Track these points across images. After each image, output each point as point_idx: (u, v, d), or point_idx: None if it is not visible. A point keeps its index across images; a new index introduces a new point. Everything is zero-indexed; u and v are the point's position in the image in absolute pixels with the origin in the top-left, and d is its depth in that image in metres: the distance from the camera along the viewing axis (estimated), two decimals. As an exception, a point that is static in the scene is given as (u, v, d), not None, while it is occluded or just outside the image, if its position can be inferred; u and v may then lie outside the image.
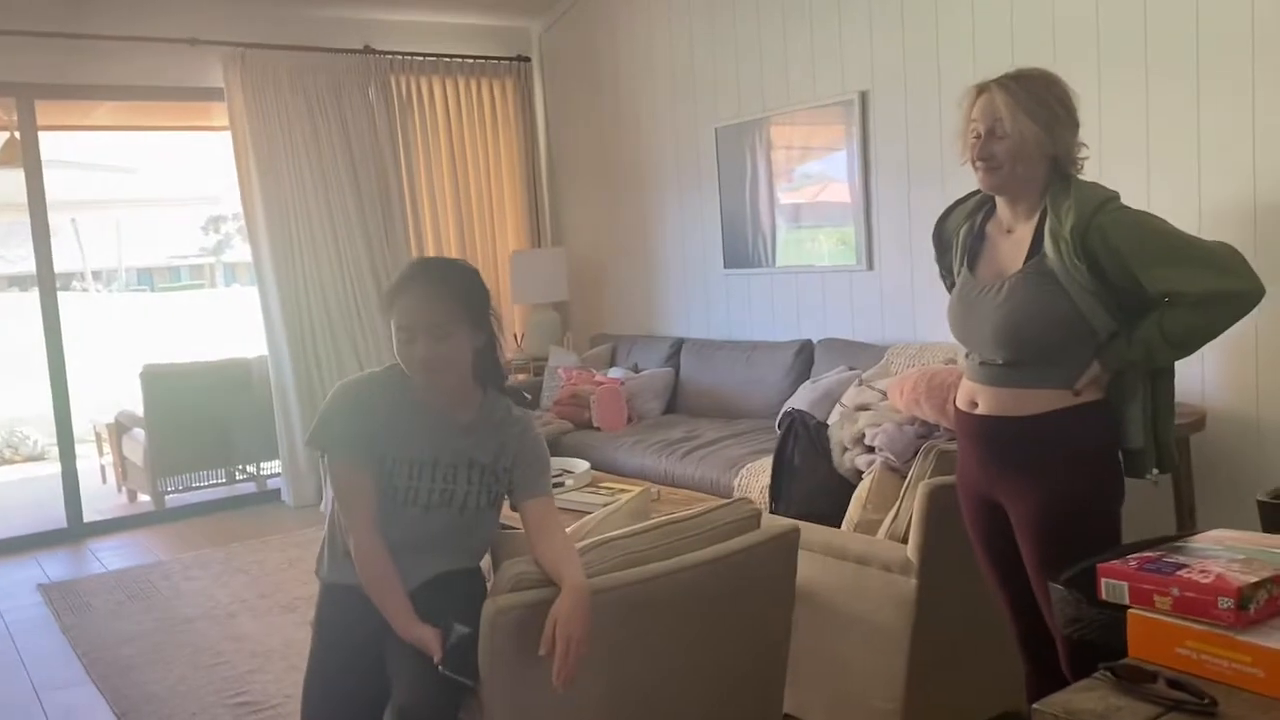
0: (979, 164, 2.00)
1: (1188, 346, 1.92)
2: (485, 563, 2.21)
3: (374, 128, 5.93)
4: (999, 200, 2.08)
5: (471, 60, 6.28)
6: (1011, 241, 2.05)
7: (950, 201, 2.25)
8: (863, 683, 2.53)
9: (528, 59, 6.49)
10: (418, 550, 2.00)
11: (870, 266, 4.66)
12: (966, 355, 2.12)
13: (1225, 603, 1.29)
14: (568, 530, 2.13)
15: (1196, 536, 1.56)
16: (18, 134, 5.31)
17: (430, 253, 6.15)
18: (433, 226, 6.18)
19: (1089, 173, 2.05)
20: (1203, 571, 1.34)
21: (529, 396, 5.75)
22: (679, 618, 1.92)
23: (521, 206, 6.52)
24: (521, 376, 6.00)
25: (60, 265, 18.07)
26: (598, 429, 5.09)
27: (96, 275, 23.72)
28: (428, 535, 2.01)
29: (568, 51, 6.33)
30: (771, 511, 3.21)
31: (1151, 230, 1.91)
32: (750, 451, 4.17)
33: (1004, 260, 2.05)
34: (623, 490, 3.64)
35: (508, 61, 6.42)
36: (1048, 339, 1.94)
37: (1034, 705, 1.30)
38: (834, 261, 4.83)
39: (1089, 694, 1.30)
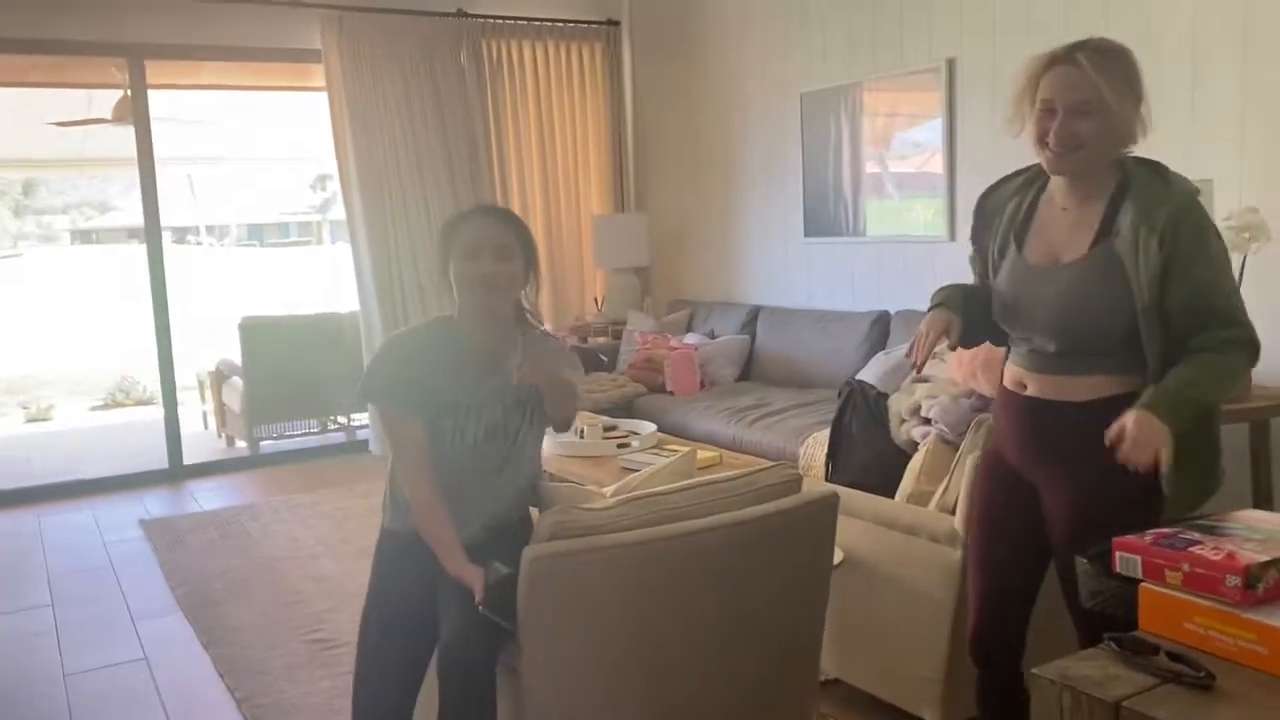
0: (1052, 143, 1.84)
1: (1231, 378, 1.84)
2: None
3: (464, 91, 6.04)
4: (1057, 178, 1.94)
5: (562, 24, 6.34)
6: (1070, 222, 1.93)
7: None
8: (907, 651, 2.55)
9: (617, 23, 6.51)
10: (471, 487, 2.11)
11: (952, 237, 4.59)
12: (1012, 340, 2.03)
13: (1233, 580, 1.29)
14: (614, 487, 2.21)
15: (1230, 515, 1.55)
16: (129, 92, 5.58)
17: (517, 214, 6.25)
18: (519, 189, 6.29)
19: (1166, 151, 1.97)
20: (1215, 549, 1.34)
21: (605, 359, 5.86)
22: (713, 575, 1.97)
23: (606, 171, 6.57)
24: (600, 339, 6.09)
25: (176, 220, 18.79)
26: (670, 393, 5.15)
27: (210, 230, 24.66)
28: (479, 471, 2.12)
29: (657, 15, 6.34)
30: (827, 479, 3.23)
31: (1221, 250, 1.86)
32: (817, 421, 4.17)
33: (1060, 241, 1.93)
34: (686, 453, 3.70)
35: (597, 25, 6.46)
36: (1109, 330, 1.86)
37: (1033, 670, 1.32)
38: (923, 232, 4.77)
39: (1090, 662, 1.31)
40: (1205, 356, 1.81)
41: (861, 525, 2.64)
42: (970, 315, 2.02)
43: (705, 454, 3.69)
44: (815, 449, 3.90)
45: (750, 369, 5.45)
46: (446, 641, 1.90)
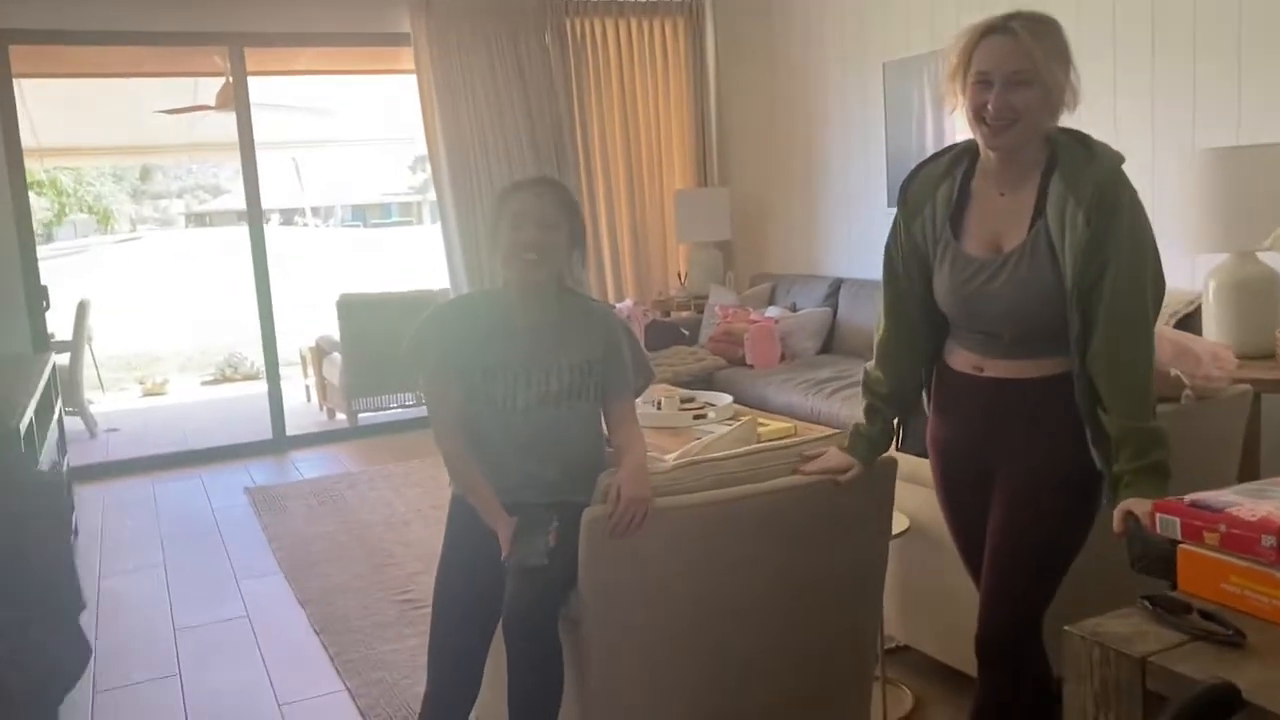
0: (990, 115, 1.78)
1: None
2: None
3: (549, 70, 6.14)
4: (989, 156, 1.87)
5: (644, 1, 6.37)
6: (1008, 205, 1.87)
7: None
8: (971, 616, 2.57)
9: (700, -3, 6.53)
10: (528, 451, 2.18)
11: (1036, 207, 4.51)
12: (959, 328, 1.99)
13: (1268, 540, 1.29)
14: (675, 453, 2.27)
15: (1274, 479, 1.54)
16: (230, 79, 5.83)
17: (600, 191, 6.36)
18: (602, 166, 6.37)
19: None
20: (1251, 510, 1.35)
21: (687, 333, 5.90)
22: (769, 539, 2.03)
23: (689, 146, 6.61)
24: (683, 314, 6.15)
25: (284, 202, 19.39)
26: (750, 366, 5.19)
27: (316, 211, 25.41)
28: (532, 437, 2.18)
29: (739, -11, 6.33)
30: (898, 448, 3.24)
31: (1148, 236, 1.82)
32: (895, 392, 4.17)
33: (1000, 227, 1.87)
34: (761, 423, 3.75)
35: (680, 1, 6.47)
36: (1061, 314, 1.83)
37: (1065, 627, 1.34)
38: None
39: (1122, 620, 1.34)
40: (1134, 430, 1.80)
41: (925, 493, 2.65)
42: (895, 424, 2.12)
43: (779, 424, 3.74)
44: (892, 420, 3.90)
45: (832, 342, 5.45)
46: (513, 594, 2.01)
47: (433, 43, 5.87)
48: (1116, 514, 1.72)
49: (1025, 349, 1.91)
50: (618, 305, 5.81)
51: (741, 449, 2.10)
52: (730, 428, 2.41)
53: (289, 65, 6.85)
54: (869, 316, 5.23)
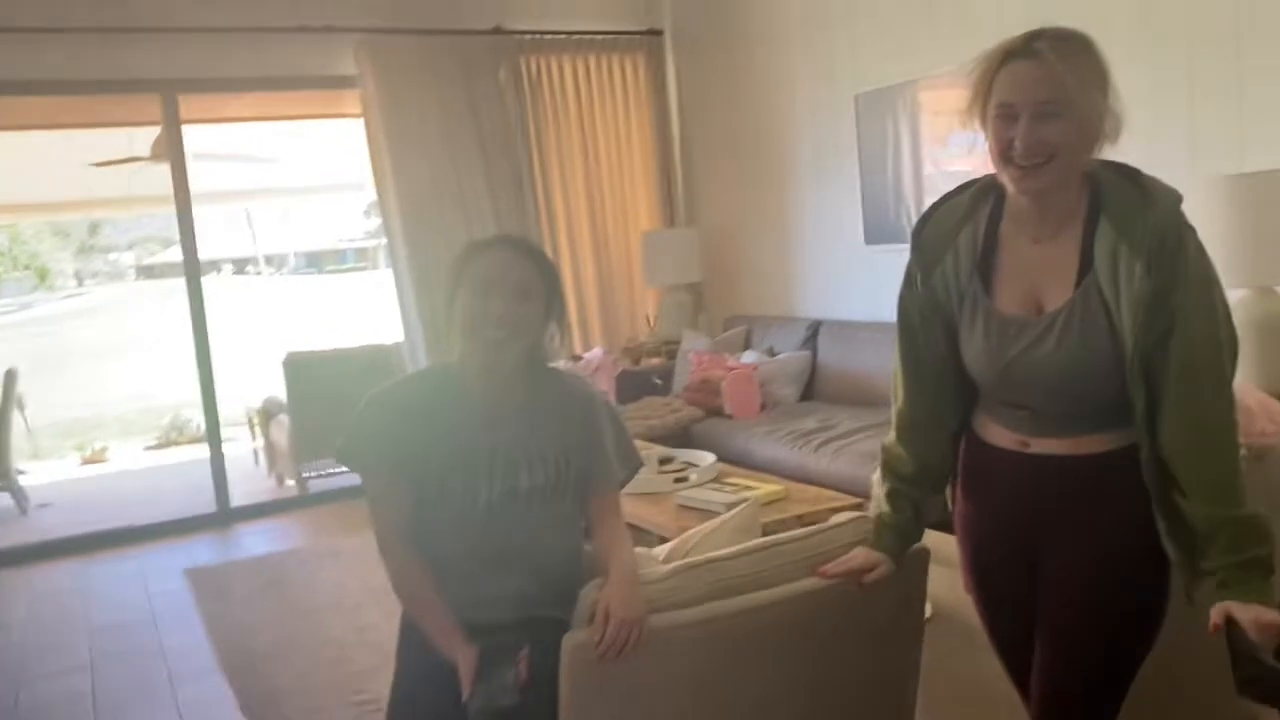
0: (1018, 155, 1.51)
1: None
2: None
3: (504, 110, 5.84)
4: (1019, 199, 1.59)
5: (602, 36, 6.11)
6: (1046, 256, 1.59)
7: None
8: (1006, 710, 2.25)
9: (660, 32, 6.28)
10: (493, 563, 1.83)
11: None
12: (995, 400, 1.69)
13: None
14: (667, 548, 1.94)
15: None
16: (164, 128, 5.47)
17: (562, 235, 6.05)
18: (564, 208, 6.07)
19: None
20: None
21: (660, 382, 5.59)
22: (780, 656, 1.70)
23: (654, 185, 6.33)
24: (654, 361, 5.83)
25: (236, 251, 19.02)
26: (729, 416, 4.88)
27: (269, 259, 24.99)
28: (499, 542, 1.84)
29: (701, 22, 6.08)
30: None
31: (1218, 286, 1.55)
32: (890, 444, 3.87)
33: (1039, 281, 1.59)
34: (748, 487, 3.43)
35: (639, 35, 6.22)
36: (1121, 388, 1.55)
37: None
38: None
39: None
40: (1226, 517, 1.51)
41: (949, 574, 2.34)
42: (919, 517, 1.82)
43: (770, 488, 3.42)
44: (889, 477, 3.60)
45: (813, 387, 5.15)
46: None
47: (380, 84, 5.55)
48: (1215, 612, 1.45)
49: (1078, 424, 1.61)
50: (586, 355, 5.48)
51: (749, 545, 1.76)
52: (727, 513, 2.09)
53: (227, 112, 6.49)
54: (852, 361, 4.94)
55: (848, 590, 1.73)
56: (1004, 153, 1.54)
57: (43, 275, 15.29)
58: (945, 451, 1.78)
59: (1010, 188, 1.59)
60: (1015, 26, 1.58)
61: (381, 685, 3.23)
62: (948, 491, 1.85)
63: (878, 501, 1.89)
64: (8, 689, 3.54)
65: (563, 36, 5.99)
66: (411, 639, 1.86)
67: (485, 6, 5.81)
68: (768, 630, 1.68)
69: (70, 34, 4.86)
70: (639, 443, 4.17)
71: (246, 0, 5.23)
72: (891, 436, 1.82)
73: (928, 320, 1.71)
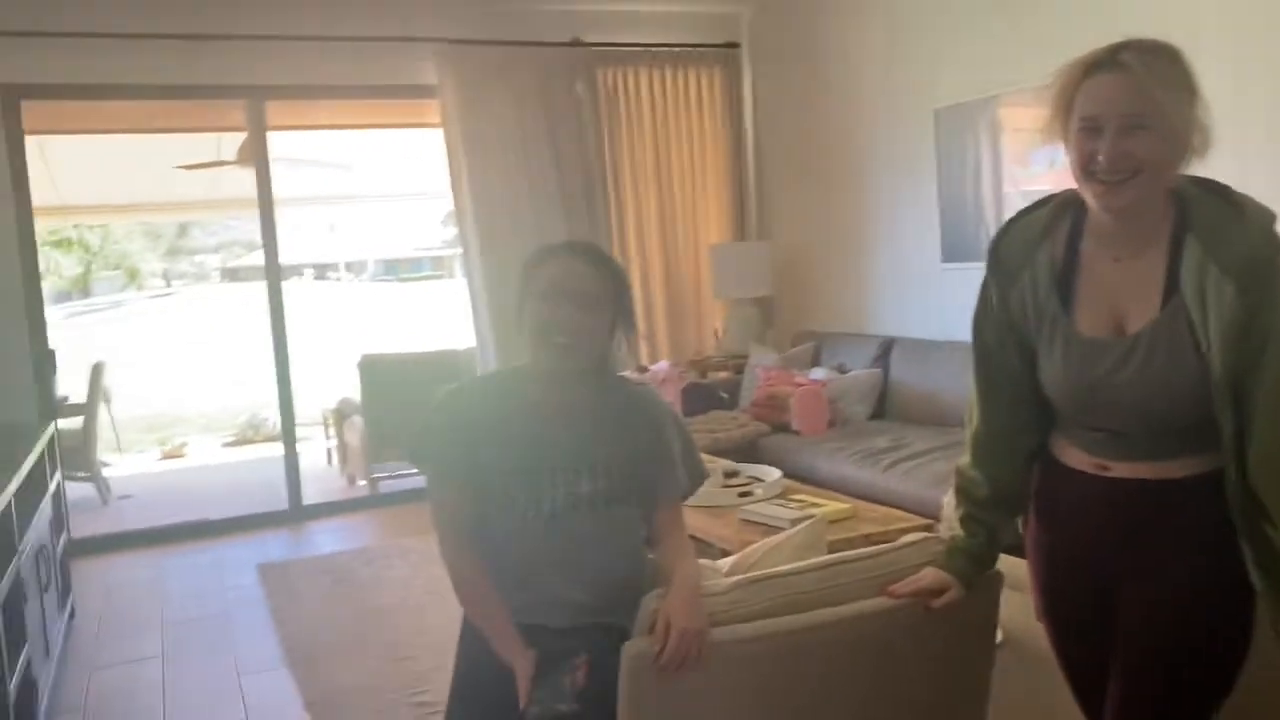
0: (1102, 170, 1.45)
1: None
2: None
3: (580, 120, 5.89)
4: (1101, 214, 1.53)
5: (679, 49, 6.13)
6: (1128, 275, 1.53)
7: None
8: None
9: (736, 45, 6.26)
10: (556, 567, 1.82)
11: (1108, 261, 4.15)
12: (1074, 423, 1.63)
13: None
14: (730, 561, 1.92)
15: None
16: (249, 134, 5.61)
17: (632, 246, 6.06)
18: (635, 219, 6.08)
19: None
20: None
21: (726, 396, 5.56)
22: (843, 676, 1.67)
23: (726, 198, 6.31)
24: (720, 374, 5.80)
25: (318, 256, 19.42)
26: (796, 433, 4.83)
27: (349, 265, 25.51)
28: (561, 548, 1.82)
29: (778, 35, 6.06)
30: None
31: None
32: (962, 466, 3.79)
33: (1121, 302, 1.54)
34: (815, 504, 3.39)
35: (716, 49, 6.22)
36: (1208, 407, 1.49)
37: None
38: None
39: None
40: None
41: (1022, 598, 2.27)
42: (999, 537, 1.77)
43: (837, 505, 3.37)
44: (960, 499, 3.52)
45: (884, 406, 5.08)
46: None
47: (460, 95, 5.63)
48: None
49: (1160, 447, 1.55)
50: (652, 368, 5.48)
51: (815, 561, 1.73)
52: (793, 528, 2.06)
53: (312, 120, 6.64)
54: (925, 380, 4.86)
55: (916, 612, 1.69)
56: (1086, 167, 1.49)
57: (132, 275, 15.78)
58: (1021, 475, 1.73)
59: (1093, 204, 1.54)
60: (1101, 40, 1.54)
61: (443, 686, 3.23)
62: (1020, 517, 1.80)
63: (950, 524, 1.84)
64: (80, 675, 3.64)
65: (640, 49, 6.01)
66: (471, 640, 1.86)
67: (564, 19, 5.86)
68: (831, 649, 1.65)
69: (162, 40, 5.03)
70: (702, 456, 4.16)
71: (332, 10, 5.36)
72: (966, 459, 1.77)
73: (1004, 340, 1.67)
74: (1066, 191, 1.63)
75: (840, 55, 5.54)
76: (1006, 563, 2.09)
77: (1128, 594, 1.62)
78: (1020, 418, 1.69)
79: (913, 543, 1.79)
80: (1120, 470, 1.59)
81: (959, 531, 1.77)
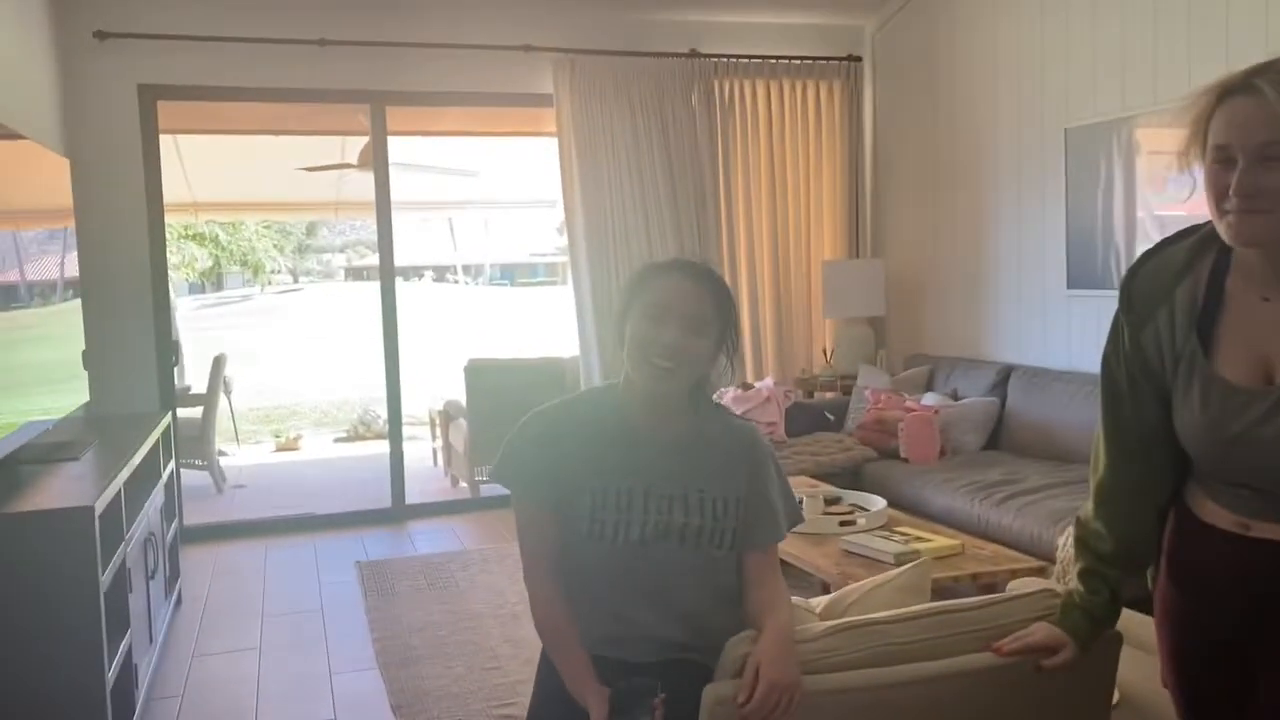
0: (1233, 203, 1.33)
1: None
2: None
3: (694, 131, 5.83)
4: (1246, 252, 1.40)
5: (799, 61, 6.02)
6: (1278, 316, 1.40)
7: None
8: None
9: (859, 59, 6.12)
10: (640, 602, 1.74)
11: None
12: (1213, 477, 1.48)
13: None
14: (823, 602, 1.81)
15: None
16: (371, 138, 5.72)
17: (742, 260, 5.97)
18: (746, 232, 5.99)
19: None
20: None
21: (832, 417, 5.40)
22: (946, 735, 1.55)
23: (841, 214, 6.16)
24: (829, 395, 5.66)
25: (438, 259, 19.93)
26: (904, 460, 4.65)
27: (466, 269, 26.08)
28: (647, 580, 1.75)
29: (902, 50, 5.89)
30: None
31: None
32: (1081, 505, 3.57)
33: (1271, 348, 1.40)
34: (920, 538, 3.24)
35: (837, 62, 6.09)
36: None
37: None
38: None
39: None
40: None
41: (1141, 658, 2.10)
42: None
43: (944, 541, 3.22)
44: (1077, 541, 3.31)
45: (999, 437, 4.86)
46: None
47: (575, 103, 5.64)
48: None
49: None
50: (757, 384, 5.36)
51: (916, 609, 1.62)
52: (899, 561, 1.93)
53: (433, 125, 6.76)
54: (1044, 411, 4.63)
55: (1024, 671, 1.56)
56: (1219, 200, 1.36)
57: (257, 270, 16.40)
58: (1150, 529, 1.59)
59: (1225, 238, 1.39)
60: (1247, 60, 1.39)
61: (529, 699, 3.23)
62: (1149, 571, 1.65)
63: (1068, 576, 1.70)
64: (181, 663, 3.73)
65: (758, 60, 5.93)
66: (549, 668, 1.80)
67: (682, 29, 5.82)
68: (929, 707, 1.53)
69: (289, 45, 5.19)
70: (804, 479, 4.04)
71: (453, 19, 5.43)
72: (1089, 509, 1.63)
73: (1136, 383, 1.53)
74: (1211, 223, 1.48)
75: (966, 70, 5.35)
76: (1126, 618, 1.93)
77: (1268, 670, 1.46)
78: (1152, 467, 1.54)
79: (1026, 594, 1.66)
80: (1262, 531, 1.44)
81: (1078, 586, 1.63)
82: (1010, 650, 1.57)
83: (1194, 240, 1.48)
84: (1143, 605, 1.90)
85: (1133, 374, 1.52)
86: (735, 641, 1.57)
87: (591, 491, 1.76)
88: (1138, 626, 2.10)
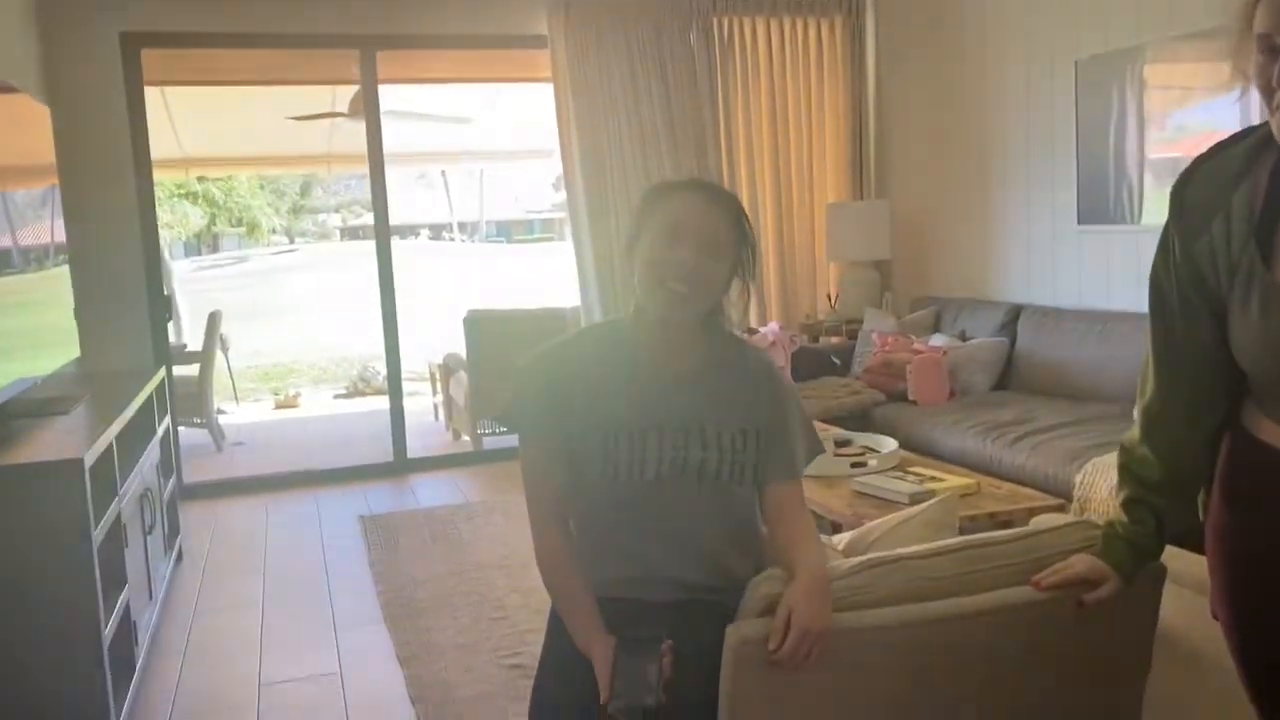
0: (1277, 98, 1.24)
1: None
2: None
3: (693, 72, 5.68)
4: None
5: (801, -3, 5.85)
6: None
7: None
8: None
9: (861, -8, 5.95)
10: (655, 541, 1.66)
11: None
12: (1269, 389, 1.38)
13: None
14: (846, 538, 1.73)
15: None
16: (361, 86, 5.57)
17: (744, 202, 5.80)
18: (747, 175, 5.87)
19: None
20: None
21: (838, 361, 5.31)
22: (975, 674, 1.47)
23: (844, 155, 6.03)
24: (833, 339, 5.57)
25: (434, 217, 19.80)
26: (913, 402, 4.57)
27: (462, 226, 25.89)
28: (663, 519, 1.66)
29: (905, -18, 5.73)
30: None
31: None
32: (1098, 443, 3.50)
33: None
34: (934, 478, 3.16)
35: (839, -3, 5.92)
36: None
37: None
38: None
39: None
40: None
41: (1182, 594, 2.02)
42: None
43: (960, 480, 3.15)
44: (1096, 478, 3.24)
45: (1008, 377, 4.77)
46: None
47: (571, 44, 5.48)
48: None
49: None
50: (762, 330, 5.27)
51: (950, 543, 1.53)
52: (914, 501, 1.86)
53: (424, 72, 6.59)
54: (1055, 350, 4.54)
55: (1065, 606, 1.48)
56: (1266, 91, 1.25)
57: (252, 229, 16.22)
58: (1200, 454, 1.49)
59: (1278, 136, 1.28)
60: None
61: (538, 648, 3.15)
62: (1200, 498, 1.56)
63: (1080, 510, 1.62)
64: (183, 619, 3.67)
65: (759, -3, 5.77)
66: (558, 624, 1.73)
67: (680, -36, 5.65)
68: (964, 644, 1.46)
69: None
70: (815, 424, 3.96)
71: (444, -44, 5.26)
72: (1135, 434, 1.54)
73: (1188, 298, 1.42)
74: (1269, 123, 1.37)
75: (972, 1, 5.19)
76: (1167, 554, 1.85)
77: None
78: (1204, 386, 1.45)
79: (1063, 525, 1.57)
80: None
81: (1121, 517, 1.54)
82: (1050, 584, 1.49)
83: (1251, 142, 1.37)
84: (1184, 542, 1.82)
85: (1184, 289, 1.42)
86: (761, 580, 1.49)
87: (603, 432, 1.67)
88: (1177, 561, 2.03)
